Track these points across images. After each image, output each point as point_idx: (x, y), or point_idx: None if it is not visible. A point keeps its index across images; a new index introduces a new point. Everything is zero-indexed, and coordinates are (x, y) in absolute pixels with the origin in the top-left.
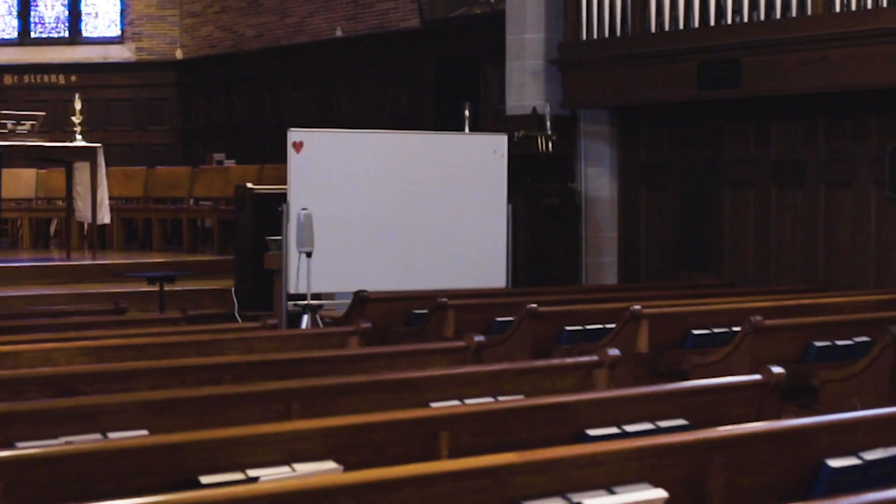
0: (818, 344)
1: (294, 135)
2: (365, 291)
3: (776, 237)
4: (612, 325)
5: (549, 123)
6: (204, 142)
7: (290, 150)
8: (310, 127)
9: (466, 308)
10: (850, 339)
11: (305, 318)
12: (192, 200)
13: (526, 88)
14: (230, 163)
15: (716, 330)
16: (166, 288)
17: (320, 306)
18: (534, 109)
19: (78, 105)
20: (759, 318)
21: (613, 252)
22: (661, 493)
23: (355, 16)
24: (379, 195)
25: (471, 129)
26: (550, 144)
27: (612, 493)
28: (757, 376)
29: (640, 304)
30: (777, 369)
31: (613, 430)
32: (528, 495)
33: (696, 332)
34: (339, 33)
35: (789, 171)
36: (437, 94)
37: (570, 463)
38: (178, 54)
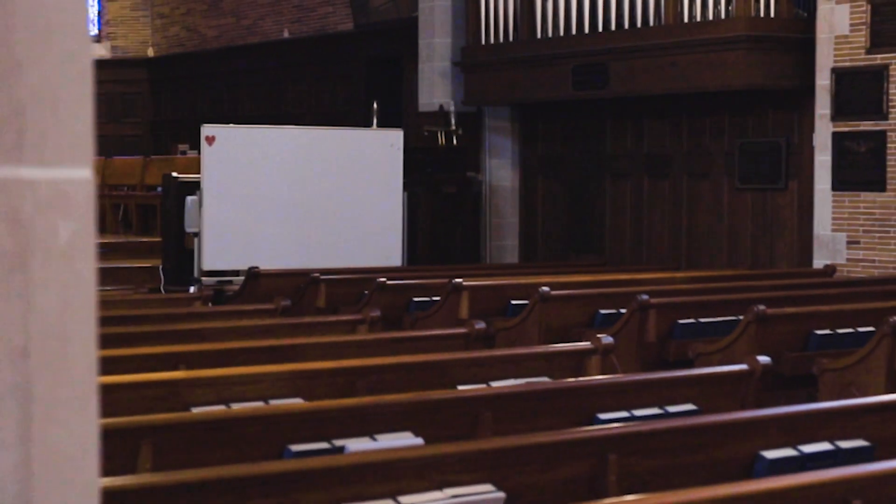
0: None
1: (207, 129)
2: (256, 268)
3: (647, 222)
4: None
5: (453, 119)
6: (172, 133)
7: (203, 144)
8: (260, 122)
9: (338, 283)
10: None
11: (192, 289)
12: (144, 188)
13: (435, 87)
14: (193, 153)
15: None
16: (111, 265)
17: (208, 281)
18: (440, 107)
19: None
20: (645, 296)
21: (514, 236)
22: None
23: (300, 19)
24: (285, 184)
25: (393, 125)
26: (454, 138)
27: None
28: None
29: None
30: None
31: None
32: None
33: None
34: (286, 35)
35: (659, 163)
36: (367, 91)
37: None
38: (150, 53)
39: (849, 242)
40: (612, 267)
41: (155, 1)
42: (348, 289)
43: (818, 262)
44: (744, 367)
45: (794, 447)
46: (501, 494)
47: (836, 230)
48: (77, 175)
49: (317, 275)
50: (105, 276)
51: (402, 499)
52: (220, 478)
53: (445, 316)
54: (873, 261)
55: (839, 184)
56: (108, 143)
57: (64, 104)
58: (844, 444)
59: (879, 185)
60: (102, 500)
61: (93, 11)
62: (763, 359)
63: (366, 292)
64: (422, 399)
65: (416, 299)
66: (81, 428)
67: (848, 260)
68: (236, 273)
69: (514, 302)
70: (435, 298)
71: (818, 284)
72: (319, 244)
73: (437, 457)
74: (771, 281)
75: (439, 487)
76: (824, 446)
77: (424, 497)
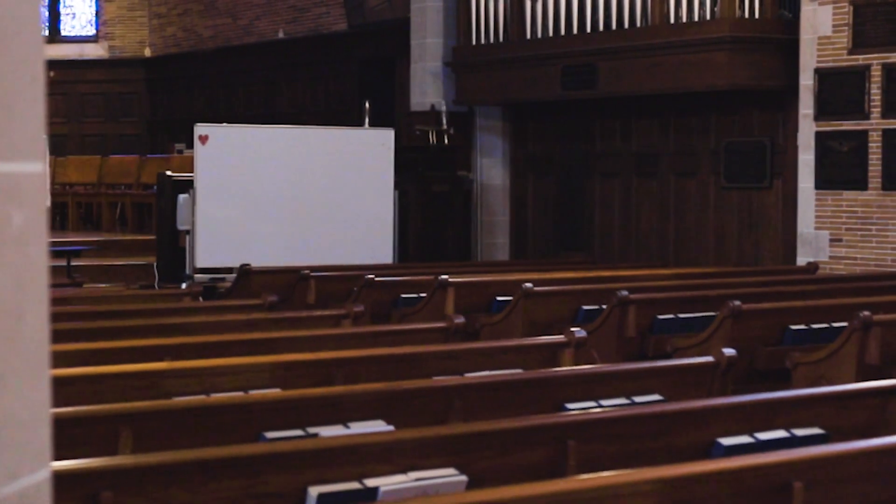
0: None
1: (200, 128)
2: (248, 265)
3: (635, 220)
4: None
5: (444, 118)
6: (169, 132)
7: (197, 143)
8: (255, 121)
9: (328, 279)
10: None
11: (184, 285)
12: (141, 186)
13: (427, 87)
14: (189, 152)
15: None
16: (106, 263)
17: (201, 278)
18: (432, 106)
19: None
20: (625, 292)
21: (505, 234)
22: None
23: (295, 19)
24: (277, 183)
25: (385, 124)
26: (445, 137)
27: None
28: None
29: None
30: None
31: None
32: None
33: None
34: (281, 35)
35: (646, 162)
36: (360, 91)
37: None
38: (147, 52)
39: (831, 240)
40: (598, 264)
41: (152, 1)
42: (338, 285)
43: (802, 260)
44: (710, 359)
45: (751, 434)
46: (464, 478)
47: (819, 228)
48: (30, 168)
49: (307, 272)
50: (101, 273)
51: (367, 481)
52: (189, 460)
53: (431, 312)
54: (855, 258)
55: (822, 182)
56: (105, 142)
57: (18, 104)
58: (799, 432)
59: (861, 183)
60: (77, 482)
61: (90, 12)
62: (728, 351)
63: (354, 289)
64: (394, 388)
65: (403, 296)
66: (34, 397)
67: (830, 257)
68: (229, 270)
69: (499, 298)
70: (422, 295)
71: (797, 281)
72: (311, 242)
73: (403, 441)
74: (753, 278)
75: (404, 471)
76: (780, 434)
77: (389, 479)
